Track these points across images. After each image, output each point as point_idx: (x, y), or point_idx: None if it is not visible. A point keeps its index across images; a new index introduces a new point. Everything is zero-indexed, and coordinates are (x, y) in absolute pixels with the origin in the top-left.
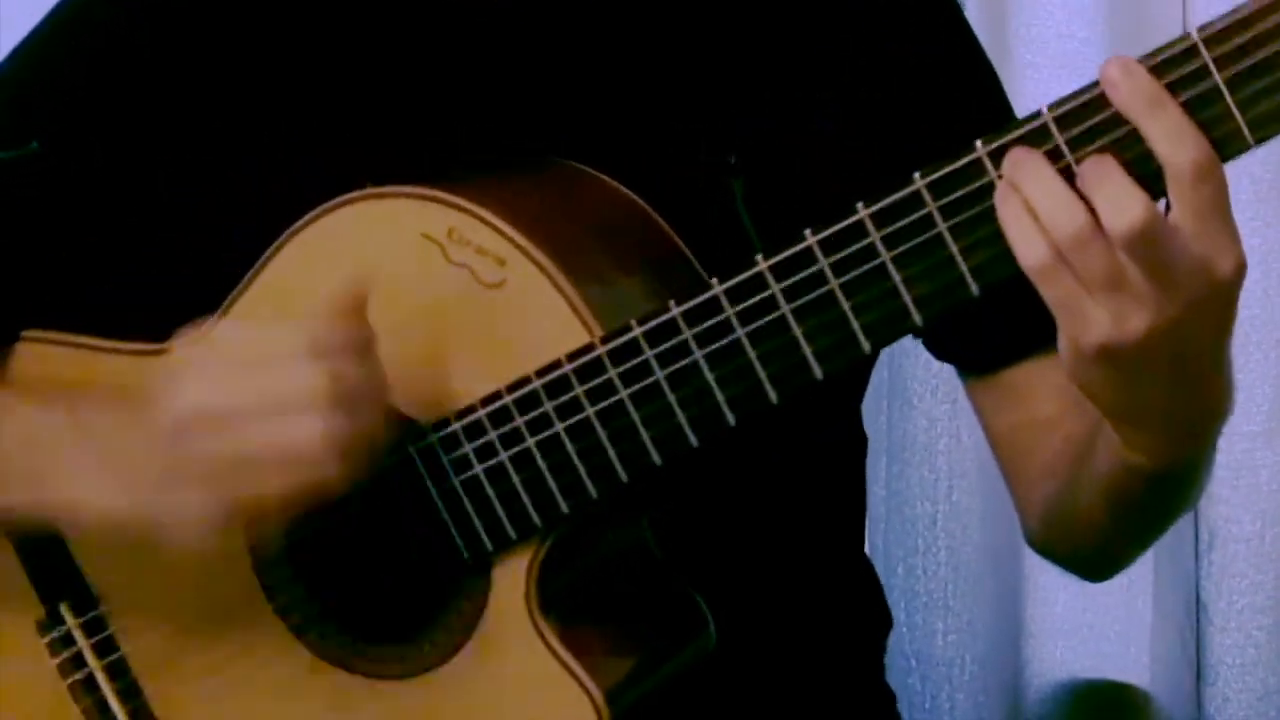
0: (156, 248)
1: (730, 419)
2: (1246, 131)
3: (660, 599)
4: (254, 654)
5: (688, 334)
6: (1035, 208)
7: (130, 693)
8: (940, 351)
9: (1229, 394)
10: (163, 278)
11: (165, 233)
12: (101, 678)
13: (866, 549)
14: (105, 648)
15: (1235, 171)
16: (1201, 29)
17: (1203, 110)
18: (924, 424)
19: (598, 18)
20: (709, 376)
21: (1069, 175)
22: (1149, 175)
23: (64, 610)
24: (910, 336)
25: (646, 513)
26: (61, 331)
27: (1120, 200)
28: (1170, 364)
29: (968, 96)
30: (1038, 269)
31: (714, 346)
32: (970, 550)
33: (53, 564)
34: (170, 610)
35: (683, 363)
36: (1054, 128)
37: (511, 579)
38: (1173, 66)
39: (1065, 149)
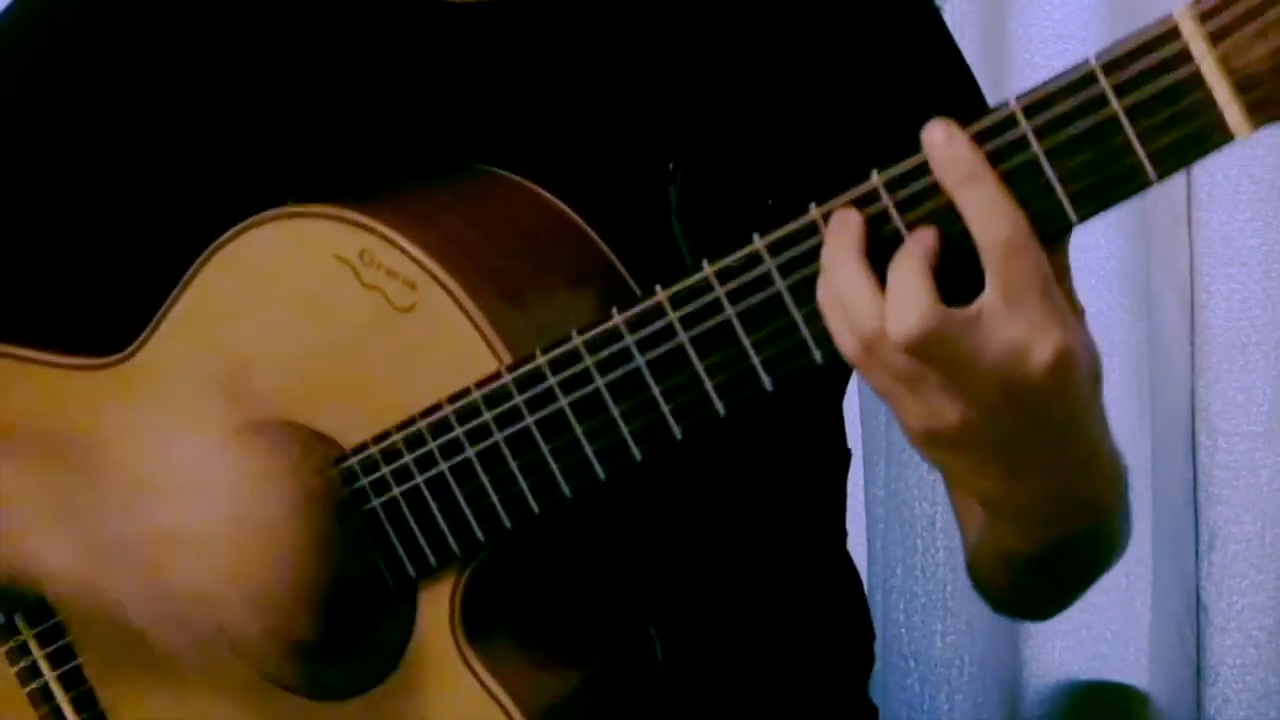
0: (101, 261)
1: (636, 453)
2: (1069, 207)
3: (601, 620)
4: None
5: (589, 362)
6: (840, 299)
7: (85, 701)
8: None
9: (1103, 484)
10: (110, 289)
11: (110, 246)
12: (56, 688)
13: (864, 551)
14: (61, 656)
15: (1235, 171)
16: (1021, 96)
17: (1024, 183)
18: None
19: (535, 24)
20: (612, 409)
21: (895, 242)
22: (972, 251)
23: (19, 621)
24: None
25: (585, 532)
26: (11, 344)
27: (901, 302)
28: (997, 453)
29: (923, 97)
30: (853, 359)
31: (614, 374)
32: None
33: None
34: (124, 623)
35: (585, 390)
36: (884, 192)
37: (436, 605)
38: (995, 134)
39: (894, 213)
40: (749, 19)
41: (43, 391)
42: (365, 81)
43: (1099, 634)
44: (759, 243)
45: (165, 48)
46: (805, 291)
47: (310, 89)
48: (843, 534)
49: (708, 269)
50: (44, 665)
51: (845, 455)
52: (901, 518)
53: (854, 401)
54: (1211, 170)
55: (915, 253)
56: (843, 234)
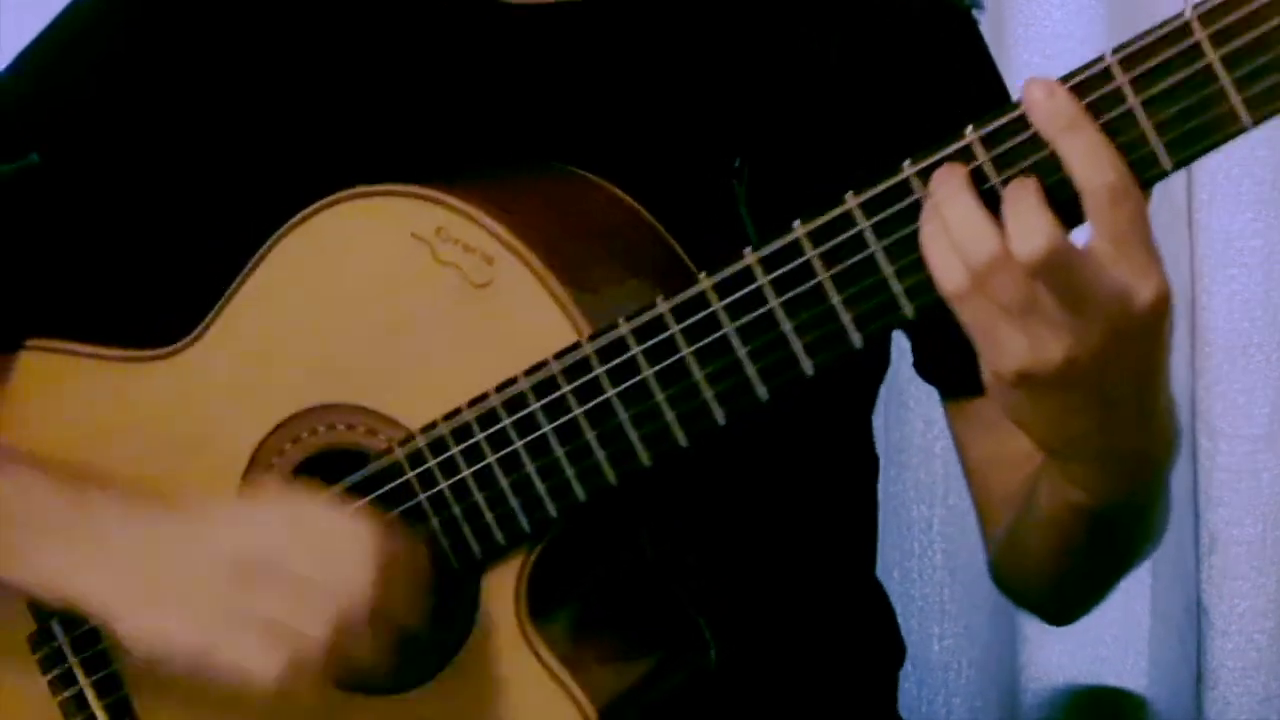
0: (157, 254)
1: (720, 417)
2: (1163, 155)
3: (658, 617)
4: None
5: (675, 329)
6: (952, 233)
7: (120, 708)
8: (926, 374)
9: (1168, 435)
10: (164, 283)
11: (166, 240)
12: (90, 695)
13: None
14: (97, 663)
15: (1236, 172)
16: (1116, 50)
17: (1122, 133)
18: (920, 426)
19: (603, 22)
20: (697, 373)
21: (993, 196)
22: (1070, 199)
23: (55, 625)
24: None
25: (642, 525)
26: (65, 339)
27: (1027, 227)
28: (1094, 395)
29: (972, 102)
30: (953, 293)
31: (702, 342)
32: (967, 554)
33: None
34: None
35: (671, 360)
36: (978, 148)
37: (501, 587)
38: (1092, 87)
39: (989, 169)
40: (810, 15)
41: (98, 387)
42: (430, 84)
43: (1098, 637)
44: (851, 202)
45: (186, 52)
46: (897, 248)
47: (374, 92)
48: (874, 544)
49: (799, 229)
50: (79, 672)
51: (874, 461)
52: (899, 521)
53: None
54: (1212, 170)
55: (1030, 186)
56: (952, 175)
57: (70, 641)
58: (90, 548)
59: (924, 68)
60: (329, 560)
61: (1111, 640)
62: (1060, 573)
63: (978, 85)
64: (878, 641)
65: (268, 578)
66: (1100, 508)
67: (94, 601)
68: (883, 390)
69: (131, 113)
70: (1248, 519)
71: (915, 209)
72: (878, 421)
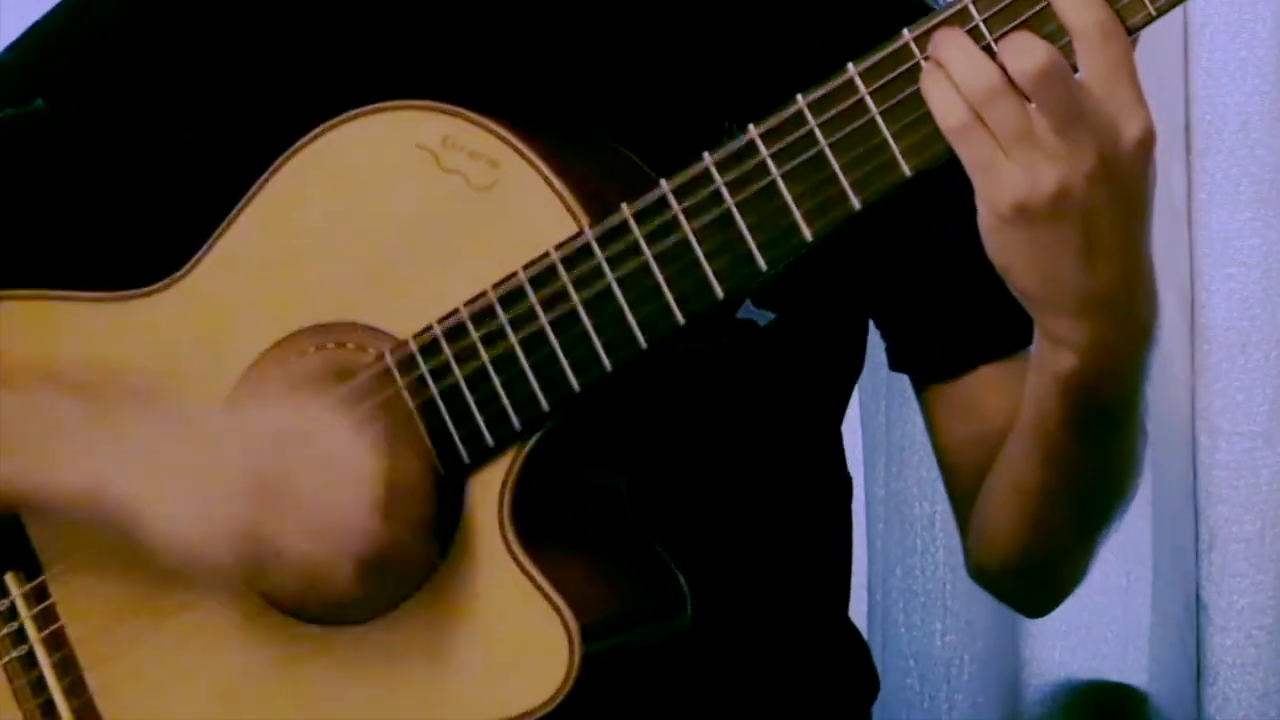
0: (158, 202)
1: (719, 292)
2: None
3: (639, 565)
4: (199, 606)
5: (677, 209)
6: (951, 72)
7: (66, 666)
8: (900, 358)
9: (1150, 304)
10: (164, 230)
11: (168, 185)
12: (40, 650)
13: (864, 550)
14: (44, 618)
15: (1235, 171)
16: None
17: None
18: (922, 424)
19: None
20: (698, 250)
21: (989, 53)
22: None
23: (9, 580)
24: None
25: (622, 474)
26: (48, 289)
27: (1024, 46)
28: (1082, 231)
29: None
30: (955, 129)
31: (704, 219)
32: None
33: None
34: (117, 565)
35: (672, 238)
36: (973, 8)
37: (486, 494)
38: None
39: (984, 27)
40: None
41: (91, 326)
42: (430, 33)
43: (1099, 634)
44: (852, 70)
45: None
46: (898, 110)
47: (371, 44)
48: (848, 575)
49: (800, 101)
50: (30, 628)
51: (846, 482)
52: (901, 517)
53: (855, 401)
54: (1211, 170)
55: (1024, 31)
56: (950, 30)
57: (24, 596)
58: (108, 446)
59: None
60: (335, 487)
61: (1112, 636)
62: (1039, 500)
63: None
64: (850, 676)
65: (281, 502)
66: (1091, 377)
67: (112, 499)
68: (884, 388)
69: (137, 55)
70: (1247, 516)
71: (914, 72)
72: (879, 419)
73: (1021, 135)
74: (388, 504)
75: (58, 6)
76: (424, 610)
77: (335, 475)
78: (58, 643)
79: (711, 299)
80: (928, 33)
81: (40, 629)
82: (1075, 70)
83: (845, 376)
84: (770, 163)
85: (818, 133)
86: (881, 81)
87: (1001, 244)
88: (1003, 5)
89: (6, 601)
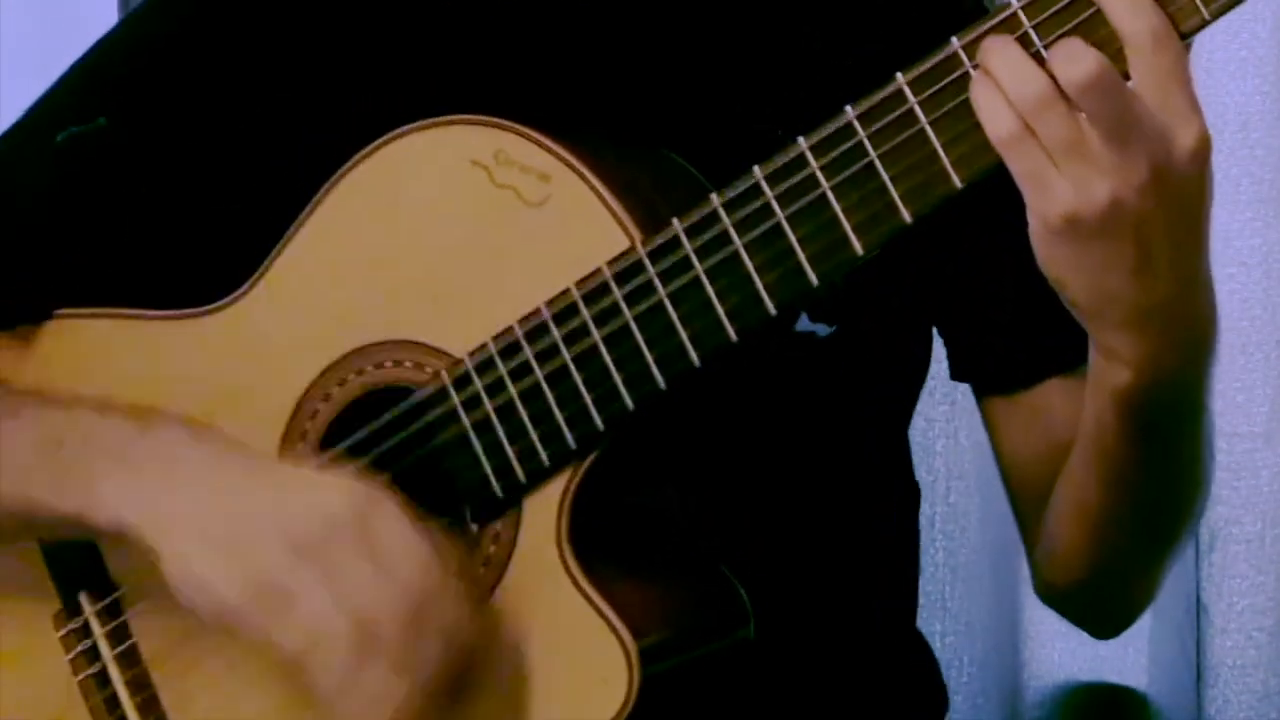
0: (217, 224)
1: (770, 307)
2: (1201, 3)
3: (699, 580)
4: None
5: (728, 222)
6: (1001, 81)
7: (139, 683)
8: (962, 368)
9: (1208, 311)
10: (219, 254)
11: (227, 209)
12: (113, 668)
13: None
14: (118, 635)
15: (1235, 171)
16: None
17: None
18: (921, 425)
19: None
20: (749, 264)
21: (1039, 60)
22: (1111, 57)
23: (83, 599)
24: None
25: (677, 486)
26: (104, 307)
27: (1074, 54)
28: (1135, 244)
29: None
30: (1004, 140)
31: (755, 232)
32: (968, 552)
33: (72, 548)
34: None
35: (723, 252)
36: (1022, 14)
37: (543, 515)
38: None
39: (1033, 34)
40: None
41: (144, 346)
42: (479, 44)
43: None
44: (900, 80)
45: (254, 21)
46: (946, 121)
47: (422, 57)
48: (915, 587)
49: (850, 112)
50: (104, 645)
51: (914, 489)
52: None
53: None
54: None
55: (1074, 36)
56: (999, 38)
57: (97, 614)
58: (156, 473)
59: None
60: (385, 568)
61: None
62: (1106, 519)
63: None
64: (918, 692)
65: (322, 565)
66: (1146, 393)
67: (148, 528)
68: None
69: (194, 70)
70: (1247, 517)
71: (963, 81)
72: None
73: (1072, 147)
74: (421, 618)
75: (118, 24)
76: (483, 630)
77: (387, 559)
78: (130, 661)
79: (763, 314)
80: (977, 40)
81: (113, 647)
82: (1127, 78)
83: (911, 381)
84: (820, 175)
85: (867, 144)
86: (931, 91)
87: (1052, 257)
88: (1052, 11)
89: (81, 620)
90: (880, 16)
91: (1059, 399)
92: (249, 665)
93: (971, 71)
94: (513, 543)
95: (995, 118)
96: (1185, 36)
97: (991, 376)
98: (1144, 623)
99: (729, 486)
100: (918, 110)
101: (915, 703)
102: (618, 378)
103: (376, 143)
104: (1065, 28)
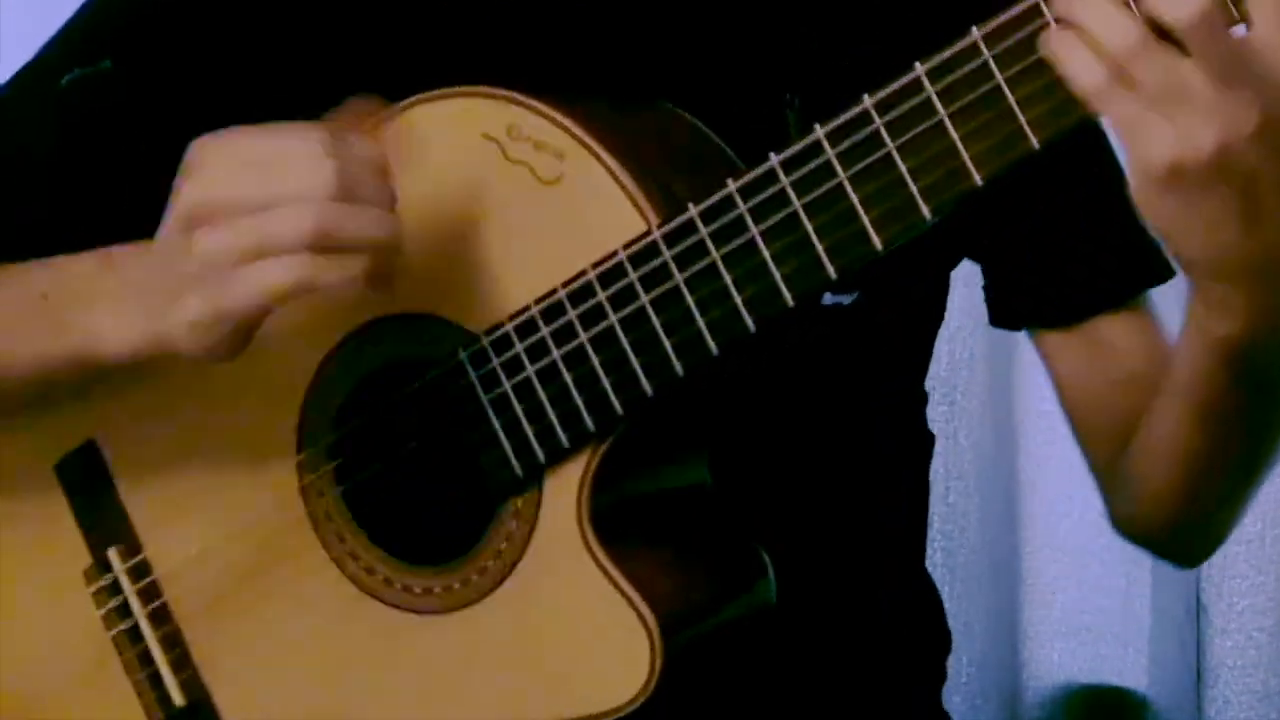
0: None
1: (789, 298)
2: None
3: (719, 545)
4: (295, 590)
5: (743, 208)
6: (1089, 30)
7: (171, 640)
8: (1022, 306)
9: None
10: None
11: None
12: (145, 625)
13: None
14: (149, 594)
15: None
16: None
17: None
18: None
19: None
20: (765, 252)
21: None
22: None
23: (113, 555)
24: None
25: (702, 446)
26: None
27: None
28: (1244, 193)
29: None
30: (1096, 91)
31: (771, 220)
32: (967, 552)
33: (100, 506)
34: (213, 548)
35: (739, 240)
36: None
37: (563, 494)
38: None
39: None
40: None
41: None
42: (492, 6)
43: (1098, 636)
44: (919, 69)
45: None
46: (1023, 76)
47: (438, 15)
48: (924, 529)
49: (867, 101)
50: (135, 601)
51: (928, 438)
52: None
53: None
54: None
55: None
56: None
57: (128, 571)
58: (130, 294)
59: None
60: (280, 174)
61: (1112, 639)
62: (1200, 463)
63: None
64: (925, 630)
65: (203, 222)
66: (1250, 342)
67: (148, 343)
68: None
69: (203, 20)
70: (1247, 518)
71: (1040, 34)
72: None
73: (1175, 92)
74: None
75: None
76: (508, 605)
77: (278, 165)
78: (162, 618)
79: (781, 304)
80: None
81: (145, 605)
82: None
83: (928, 331)
84: (836, 162)
85: (936, 101)
86: (1004, 45)
87: (1156, 208)
88: None
89: (111, 576)
90: None
91: (1118, 331)
92: (282, 626)
93: (1054, 24)
94: (534, 520)
95: (1082, 69)
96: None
97: (1045, 312)
98: (1144, 623)
99: (749, 453)
100: (992, 65)
101: (921, 643)
102: (636, 363)
103: (387, 112)
104: None
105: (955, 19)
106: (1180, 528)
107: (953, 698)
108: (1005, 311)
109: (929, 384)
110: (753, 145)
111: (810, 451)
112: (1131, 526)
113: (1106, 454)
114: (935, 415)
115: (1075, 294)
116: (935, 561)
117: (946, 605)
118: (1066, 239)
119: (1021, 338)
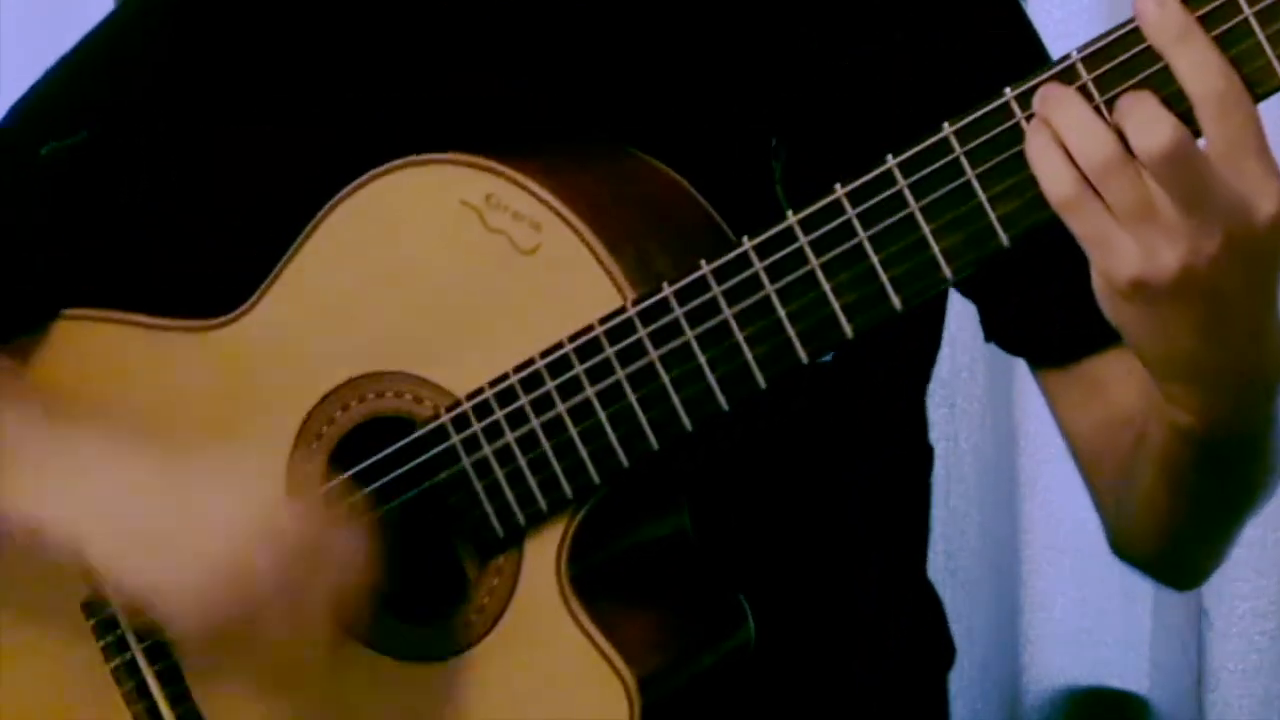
0: (204, 230)
1: (761, 381)
2: (1278, 66)
3: (699, 592)
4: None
5: (716, 290)
6: (1063, 138)
7: (171, 676)
8: (1016, 340)
9: (1278, 355)
10: (212, 258)
11: (212, 216)
12: (142, 661)
13: None
14: (147, 629)
15: None
16: None
17: (1234, 45)
18: None
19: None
20: (738, 335)
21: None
22: (1183, 115)
23: (118, 612)
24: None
25: (683, 497)
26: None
27: (1150, 123)
28: (1206, 309)
29: (1015, 68)
30: (1065, 201)
31: (744, 304)
32: (968, 556)
33: None
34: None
35: (712, 321)
36: (1082, 67)
37: (543, 555)
38: (1206, 0)
39: (1093, 87)
40: None
41: (148, 356)
42: (473, 56)
43: (1099, 639)
44: (947, 130)
45: (232, 31)
46: (994, 174)
47: (417, 66)
48: (925, 539)
49: (839, 191)
50: (132, 639)
51: (927, 451)
52: None
53: None
54: None
55: (1147, 93)
56: (1060, 89)
57: (124, 605)
58: (63, 478)
59: (962, 41)
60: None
61: (1113, 642)
62: (1175, 517)
63: (1019, 51)
64: (926, 641)
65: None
66: (1209, 434)
67: (60, 530)
68: None
69: (180, 89)
70: (1248, 521)
71: (1014, 134)
72: None
73: (1142, 211)
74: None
75: (90, 34)
76: (490, 659)
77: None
78: (160, 653)
79: (754, 387)
80: (1032, 90)
81: (141, 641)
82: (1198, 135)
83: (928, 351)
84: (809, 249)
85: (907, 194)
86: (979, 140)
87: (1118, 312)
88: (1117, 63)
89: (109, 610)
90: (877, 17)
91: (1112, 372)
92: (276, 670)
93: (1024, 124)
94: (514, 578)
95: (1054, 177)
96: (1261, 98)
97: (1048, 348)
98: (1145, 627)
99: (731, 503)
100: (964, 161)
101: (921, 663)
102: (612, 435)
103: (367, 175)
104: (1129, 81)
105: (939, 66)
106: (1169, 563)
107: (954, 701)
108: (1000, 342)
109: (929, 386)
110: (739, 193)
111: (794, 499)
112: (1127, 552)
113: (1102, 484)
114: (935, 418)
115: (1066, 335)
116: (937, 565)
117: (947, 608)
118: (1056, 281)
119: None
